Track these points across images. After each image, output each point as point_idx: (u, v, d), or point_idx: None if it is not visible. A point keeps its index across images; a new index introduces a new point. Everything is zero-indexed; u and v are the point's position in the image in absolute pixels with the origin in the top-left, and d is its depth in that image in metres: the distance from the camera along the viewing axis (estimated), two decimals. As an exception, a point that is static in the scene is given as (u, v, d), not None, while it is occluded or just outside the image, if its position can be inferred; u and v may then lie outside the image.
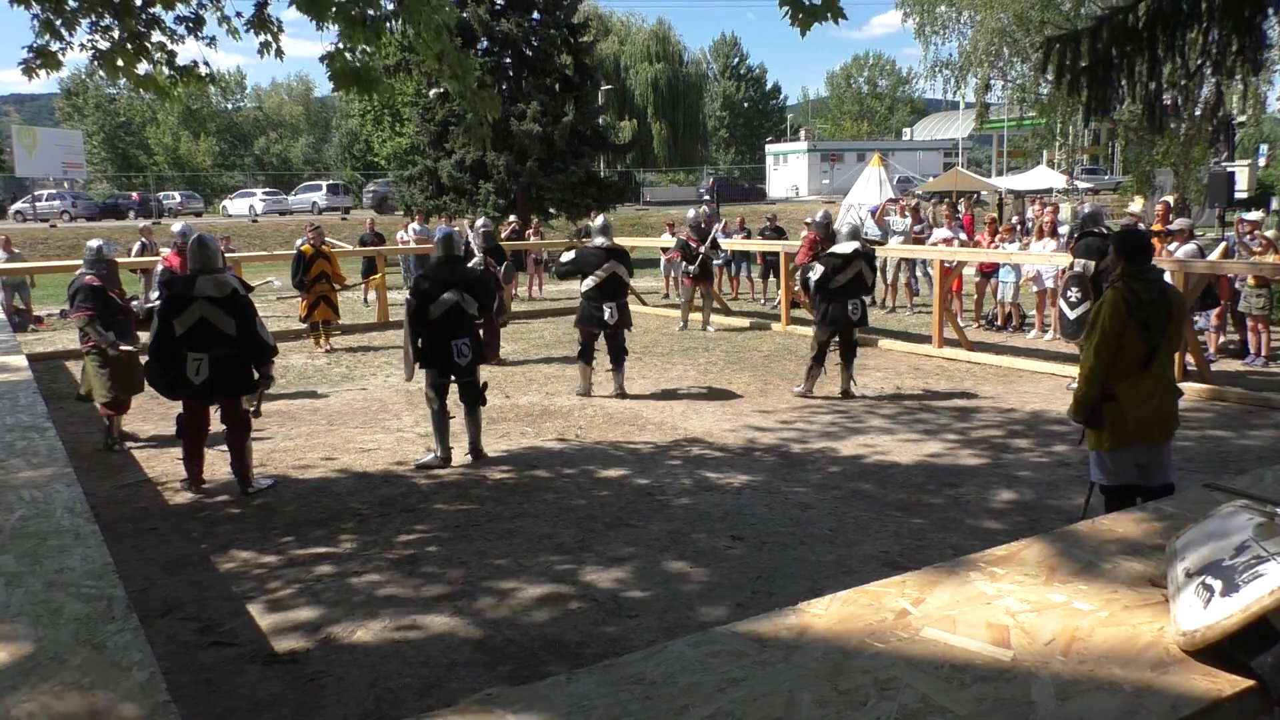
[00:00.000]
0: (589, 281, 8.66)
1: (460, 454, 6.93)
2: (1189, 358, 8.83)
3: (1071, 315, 8.45)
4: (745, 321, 13.93)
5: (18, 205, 39.57)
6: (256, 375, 6.28)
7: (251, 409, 6.34)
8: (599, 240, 8.86)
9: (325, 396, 9.33)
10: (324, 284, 12.13)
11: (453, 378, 6.84)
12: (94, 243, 7.64)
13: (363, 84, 5.70)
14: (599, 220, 9.28)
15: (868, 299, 8.76)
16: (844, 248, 8.46)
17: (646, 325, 14.12)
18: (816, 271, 8.43)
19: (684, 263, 13.24)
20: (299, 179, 54.78)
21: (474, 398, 6.88)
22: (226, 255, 14.81)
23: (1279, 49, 17.03)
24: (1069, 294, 8.50)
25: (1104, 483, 4.44)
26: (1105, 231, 8.62)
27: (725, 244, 14.39)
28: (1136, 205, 17.20)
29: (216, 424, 6.40)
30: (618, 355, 8.84)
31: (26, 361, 6.13)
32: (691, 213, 14.54)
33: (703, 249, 13.03)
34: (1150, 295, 4.22)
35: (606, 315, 8.58)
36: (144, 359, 6.39)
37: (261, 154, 67.38)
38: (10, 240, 16.35)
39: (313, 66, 54.76)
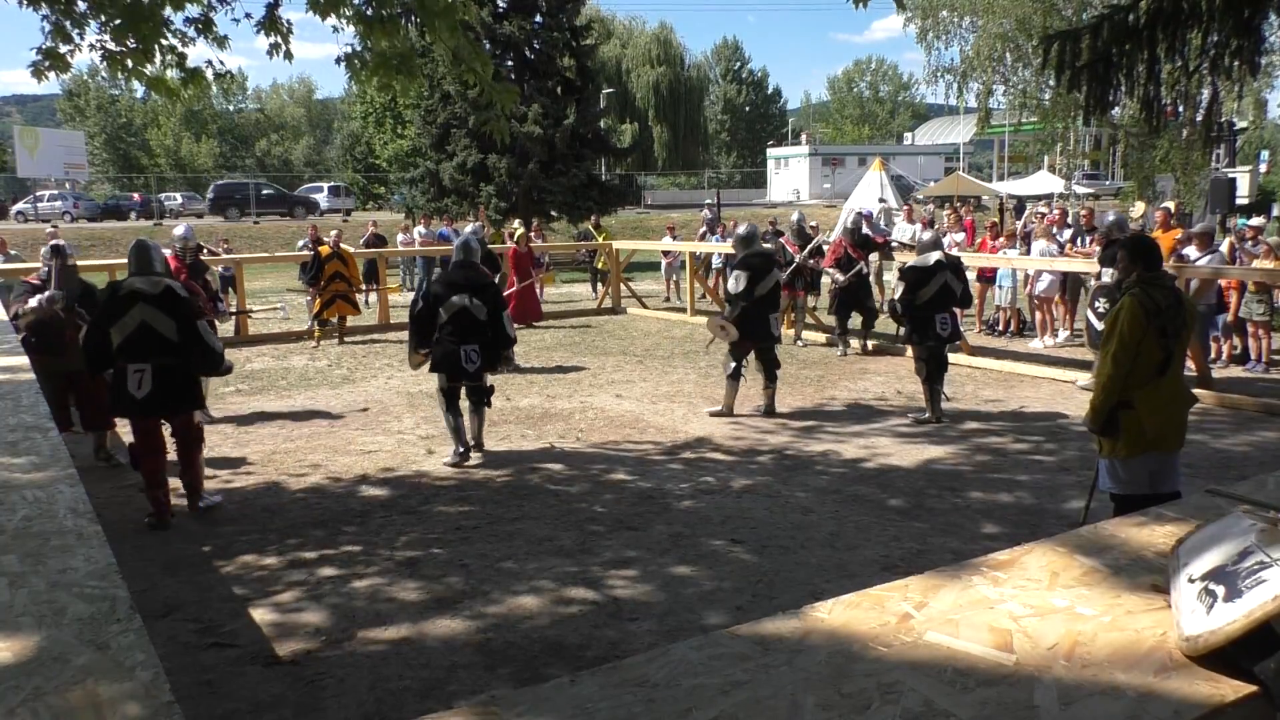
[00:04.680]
0: (757, 290, 7.96)
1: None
2: (1189, 363, 8.81)
3: (1099, 325, 8.40)
4: (821, 337, 12.42)
5: (19, 206, 39.54)
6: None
7: (202, 420, 6.15)
8: (756, 247, 8.25)
9: (326, 398, 9.33)
10: (339, 283, 12.57)
11: (462, 382, 7.01)
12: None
13: (403, 71, 5.89)
14: (743, 229, 8.53)
15: (958, 311, 8.39)
16: (926, 259, 7.95)
17: (647, 328, 14.14)
18: (899, 290, 8.06)
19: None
20: (300, 180, 54.77)
21: (480, 400, 7.18)
22: (228, 256, 14.95)
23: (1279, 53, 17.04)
24: (1096, 304, 8.45)
25: (1115, 491, 4.35)
26: None
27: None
28: (1138, 210, 17.17)
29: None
30: (770, 368, 8.24)
31: (29, 362, 6.12)
32: (795, 215, 13.36)
33: (799, 256, 11.91)
34: (1167, 301, 4.14)
35: (773, 326, 8.13)
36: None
37: (263, 155, 67.37)
38: (5, 242, 16.32)
39: (314, 68, 54.85)
